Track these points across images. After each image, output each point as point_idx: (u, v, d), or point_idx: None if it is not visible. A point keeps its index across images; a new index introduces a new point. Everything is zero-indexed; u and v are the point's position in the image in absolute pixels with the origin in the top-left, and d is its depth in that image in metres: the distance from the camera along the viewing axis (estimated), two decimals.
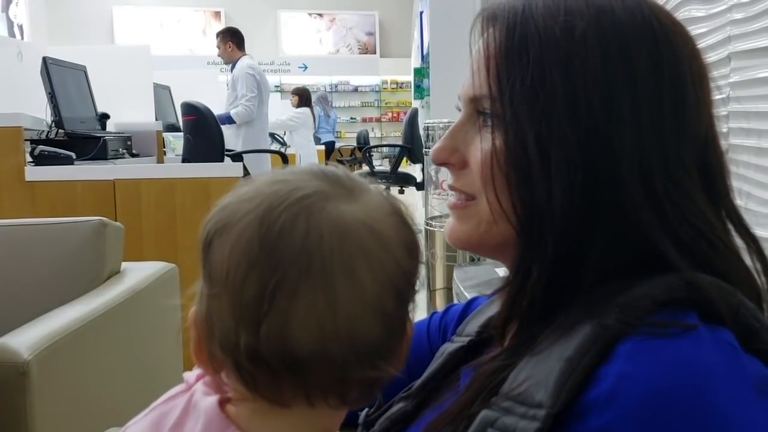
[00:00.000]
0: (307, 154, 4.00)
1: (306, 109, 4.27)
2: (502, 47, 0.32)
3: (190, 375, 0.31)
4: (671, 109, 0.31)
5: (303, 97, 4.34)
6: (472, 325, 0.40)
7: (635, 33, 0.31)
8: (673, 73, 0.31)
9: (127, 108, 2.16)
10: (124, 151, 1.86)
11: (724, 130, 0.66)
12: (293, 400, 0.28)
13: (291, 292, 0.26)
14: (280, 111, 4.58)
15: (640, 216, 0.30)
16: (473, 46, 0.35)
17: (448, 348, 0.40)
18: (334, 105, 7.06)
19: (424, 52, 3.46)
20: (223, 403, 0.29)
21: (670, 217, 0.30)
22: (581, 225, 0.30)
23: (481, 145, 0.33)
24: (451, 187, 0.36)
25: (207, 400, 0.29)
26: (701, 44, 0.76)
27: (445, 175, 1.72)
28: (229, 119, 2.70)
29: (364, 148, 4.47)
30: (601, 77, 0.30)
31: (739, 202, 0.64)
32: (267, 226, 0.27)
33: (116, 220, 0.98)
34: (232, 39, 2.86)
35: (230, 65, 2.90)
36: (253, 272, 0.27)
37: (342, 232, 0.27)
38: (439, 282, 1.67)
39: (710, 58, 0.68)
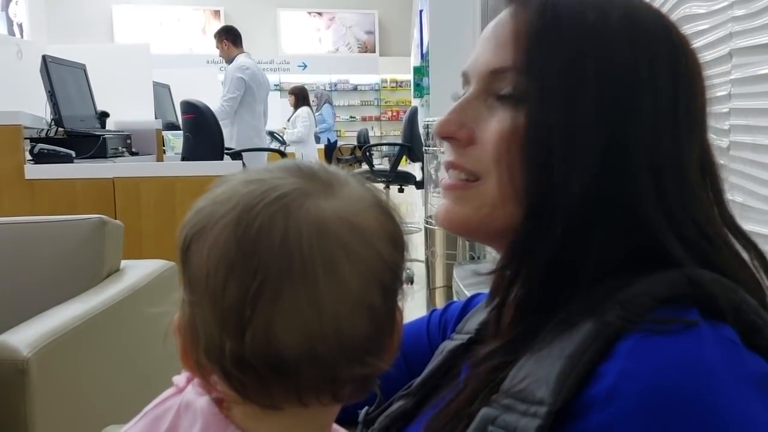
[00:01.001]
0: (308, 153, 4.00)
1: (307, 108, 4.26)
2: (536, 24, 0.32)
3: (180, 378, 0.31)
4: (684, 113, 0.32)
5: (300, 96, 4.31)
6: (472, 323, 0.40)
7: (660, 38, 0.32)
8: (688, 81, 0.33)
9: (126, 106, 2.16)
10: (124, 149, 1.86)
11: (726, 127, 0.66)
12: (285, 402, 0.27)
13: (273, 294, 0.26)
14: (280, 110, 4.57)
15: (648, 211, 0.31)
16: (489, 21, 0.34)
17: (447, 345, 0.40)
18: (333, 104, 7.08)
19: (424, 51, 3.46)
20: (218, 402, 0.29)
21: (676, 215, 0.31)
22: (591, 214, 0.30)
23: (498, 122, 0.32)
24: (452, 165, 0.34)
25: (201, 401, 0.29)
26: (702, 41, 0.76)
27: (445, 174, 1.71)
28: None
29: (363, 147, 4.47)
30: (630, 72, 0.31)
31: (740, 199, 0.64)
32: (244, 227, 0.26)
33: (116, 219, 0.98)
34: (227, 37, 2.86)
35: (229, 63, 2.90)
36: (233, 276, 0.26)
37: (320, 229, 0.26)
38: (439, 280, 1.66)
39: (711, 54, 0.68)
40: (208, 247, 0.27)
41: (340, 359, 0.27)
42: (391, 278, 0.28)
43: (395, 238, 0.29)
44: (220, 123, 2.26)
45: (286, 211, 0.26)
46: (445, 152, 0.35)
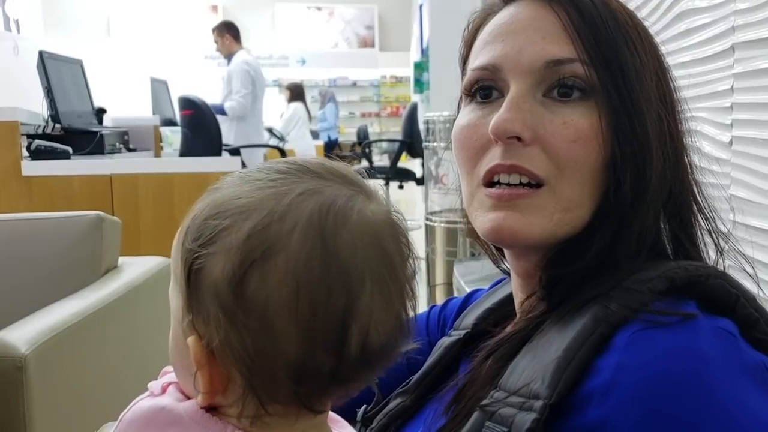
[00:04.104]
0: (303, 148, 4.01)
1: (295, 104, 4.30)
2: (594, 15, 0.31)
3: (155, 384, 0.30)
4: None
5: (294, 92, 4.40)
6: (469, 318, 0.40)
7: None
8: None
9: (124, 102, 2.15)
10: (121, 145, 1.85)
11: (728, 121, 0.66)
12: (333, 403, 0.28)
13: (370, 304, 0.26)
14: (278, 107, 4.60)
15: (694, 200, 0.32)
16: (508, 17, 0.33)
17: (445, 341, 0.40)
18: (337, 102, 7.09)
19: (424, 46, 3.44)
20: (204, 408, 0.28)
21: (702, 204, 0.33)
22: (655, 205, 0.31)
23: (569, 120, 0.31)
24: (516, 168, 0.31)
25: (184, 406, 0.27)
26: (704, 35, 0.75)
27: (445, 169, 1.71)
28: (222, 110, 2.70)
29: (363, 143, 4.47)
30: (662, 58, 0.33)
31: (743, 194, 0.64)
32: (333, 246, 0.26)
33: (113, 215, 0.98)
34: (228, 32, 2.85)
35: (227, 59, 2.89)
36: (333, 295, 0.25)
37: (389, 234, 0.28)
38: (439, 277, 1.66)
39: (714, 48, 0.67)
40: (294, 268, 0.25)
41: (401, 346, 0.28)
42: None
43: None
44: (218, 120, 2.26)
45: (358, 222, 0.27)
46: (499, 155, 0.32)
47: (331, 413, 0.31)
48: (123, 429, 0.28)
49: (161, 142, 2.17)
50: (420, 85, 3.56)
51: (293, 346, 0.25)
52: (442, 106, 1.98)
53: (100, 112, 1.93)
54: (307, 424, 0.28)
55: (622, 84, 0.31)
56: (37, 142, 1.56)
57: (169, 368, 0.30)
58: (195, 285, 0.27)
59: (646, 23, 0.34)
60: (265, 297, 0.25)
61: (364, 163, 3.62)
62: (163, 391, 0.29)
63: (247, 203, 0.27)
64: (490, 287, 0.43)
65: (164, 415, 0.27)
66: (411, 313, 0.29)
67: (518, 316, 0.35)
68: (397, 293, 0.28)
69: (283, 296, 0.25)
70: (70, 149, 1.60)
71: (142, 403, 0.28)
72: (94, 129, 1.75)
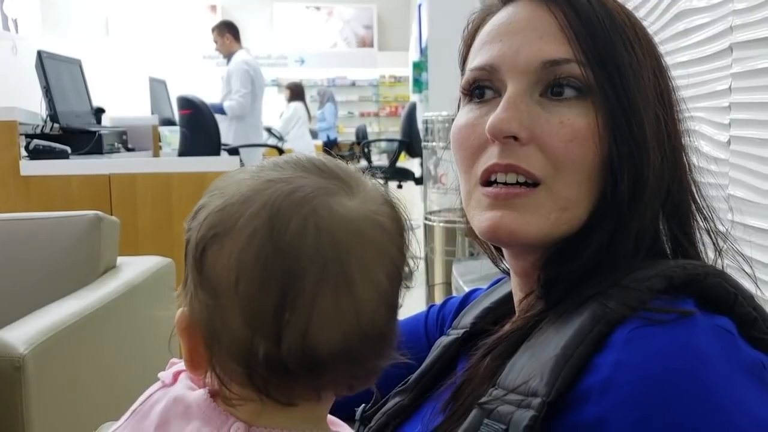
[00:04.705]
0: (302, 148, 4.01)
1: (295, 104, 4.31)
2: (591, 16, 0.31)
3: (167, 374, 0.30)
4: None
5: (294, 92, 4.41)
6: (468, 317, 0.40)
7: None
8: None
9: (122, 102, 2.14)
10: (120, 145, 1.85)
11: (726, 121, 0.66)
12: (302, 398, 0.28)
13: (312, 298, 0.26)
14: (277, 106, 4.61)
15: (693, 200, 0.32)
16: (505, 18, 0.33)
17: (443, 341, 0.40)
18: (336, 102, 7.10)
19: (423, 46, 3.44)
20: (213, 396, 0.28)
21: (700, 204, 0.33)
22: (654, 204, 0.31)
23: (565, 119, 0.31)
24: (512, 168, 0.31)
25: (195, 395, 0.28)
26: (702, 35, 0.75)
27: (444, 169, 1.71)
28: (221, 109, 2.70)
29: (362, 143, 4.48)
30: (661, 58, 0.33)
31: (741, 193, 0.64)
32: (278, 232, 0.26)
33: (112, 215, 0.98)
34: (228, 31, 2.86)
35: (227, 58, 2.89)
36: (269, 282, 0.25)
37: (353, 231, 0.27)
38: (438, 277, 1.66)
39: (712, 48, 0.68)
40: (238, 251, 0.26)
41: (370, 354, 0.27)
42: (403, 272, 0.29)
43: (404, 230, 0.29)
44: (217, 119, 2.26)
45: (316, 215, 0.26)
46: (496, 155, 0.32)
47: (330, 416, 0.31)
48: (134, 424, 0.29)
49: (160, 141, 2.17)
50: (419, 84, 3.56)
51: (237, 328, 0.26)
52: (441, 105, 1.98)
53: (99, 112, 1.92)
54: (300, 418, 0.28)
55: (619, 84, 0.31)
56: (36, 141, 1.56)
57: (176, 359, 0.31)
58: (185, 255, 0.28)
59: (645, 23, 0.34)
60: (216, 275, 0.26)
61: (363, 162, 3.62)
62: (175, 379, 0.30)
63: (222, 186, 0.28)
64: (489, 286, 0.43)
65: (178, 406, 0.28)
66: (382, 319, 0.27)
67: (517, 314, 0.35)
68: (352, 295, 0.26)
69: (229, 276, 0.26)
70: (68, 149, 1.59)
71: (158, 406, 0.29)
72: (93, 129, 1.75)
